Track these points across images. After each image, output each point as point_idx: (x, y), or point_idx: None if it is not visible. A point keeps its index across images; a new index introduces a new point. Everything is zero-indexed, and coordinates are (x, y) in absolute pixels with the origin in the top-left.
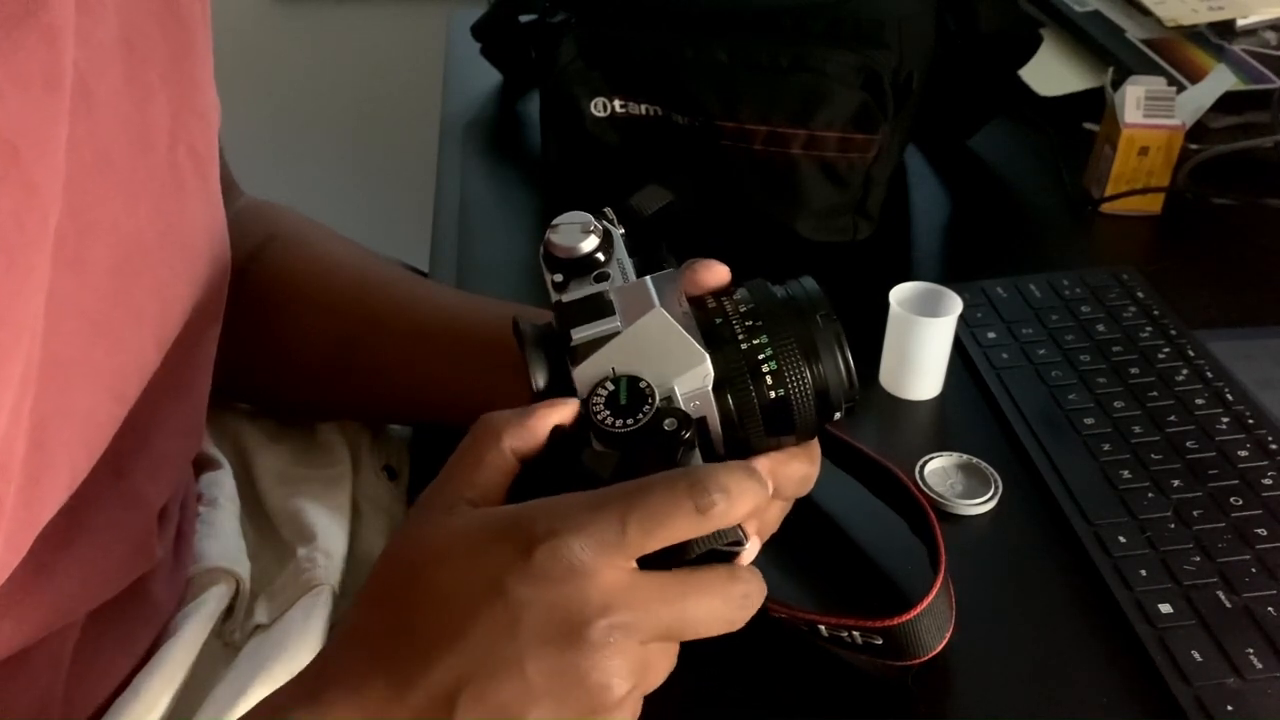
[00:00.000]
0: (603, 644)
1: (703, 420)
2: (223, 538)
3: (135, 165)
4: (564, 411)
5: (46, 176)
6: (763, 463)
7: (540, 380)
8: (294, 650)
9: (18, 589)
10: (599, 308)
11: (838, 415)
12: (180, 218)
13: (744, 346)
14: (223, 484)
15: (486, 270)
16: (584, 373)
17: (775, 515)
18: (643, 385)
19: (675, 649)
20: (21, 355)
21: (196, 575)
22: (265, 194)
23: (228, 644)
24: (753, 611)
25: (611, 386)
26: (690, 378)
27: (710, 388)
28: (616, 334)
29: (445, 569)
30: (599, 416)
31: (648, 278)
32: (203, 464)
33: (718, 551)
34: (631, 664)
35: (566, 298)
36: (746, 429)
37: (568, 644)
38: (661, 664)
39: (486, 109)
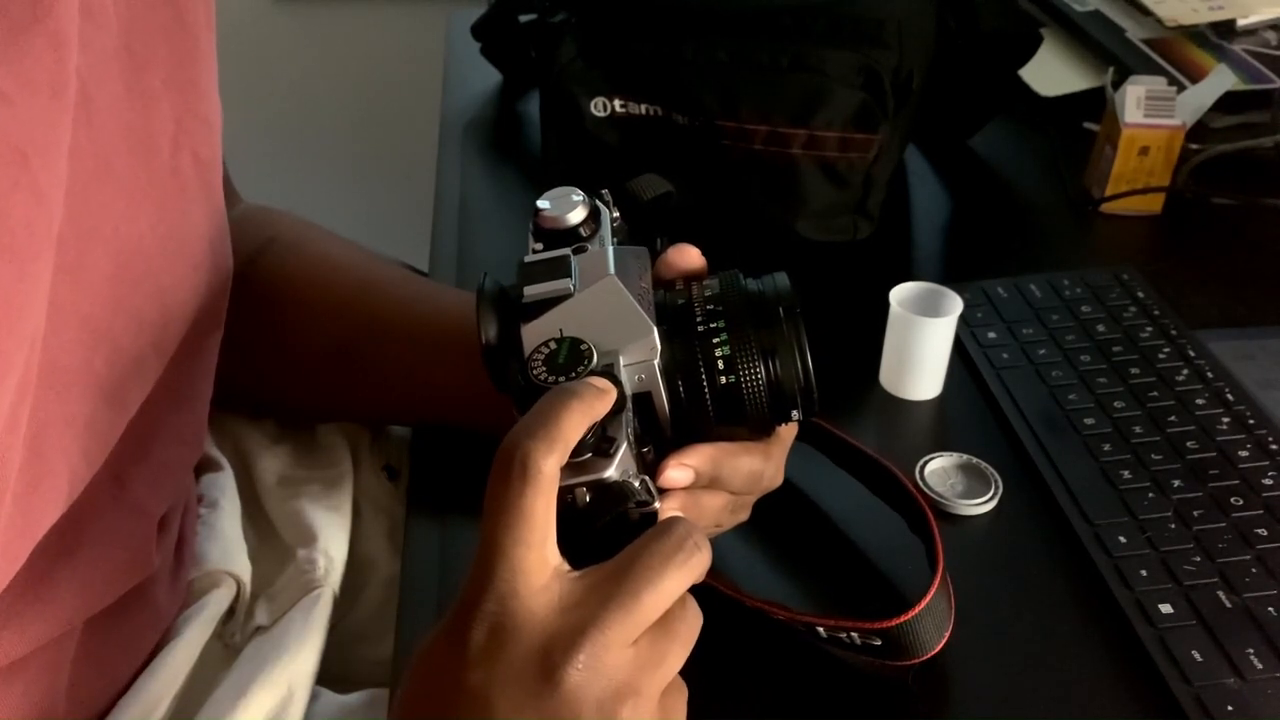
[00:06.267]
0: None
1: (649, 396)
2: (224, 540)
3: (136, 172)
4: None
5: (52, 183)
6: (706, 450)
7: (489, 334)
8: (294, 652)
9: (18, 599)
10: (557, 269)
11: (795, 414)
12: (182, 224)
13: (700, 329)
14: (223, 485)
15: (486, 270)
16: (532, 331)
17: (718, 506)
18: (584, 347)
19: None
20: (21, 361)
21: (198, 578)
22: (265, 194)
23: (228, 646)
24: (705, 557)
25: (554, 345)
26: (637, 348)
27: (657, 362)
28: (568, 295)
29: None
30: (534, 371)
31: (610, 247)
32: (203, 465)
33: (634, 521)
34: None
35: (529, 259)
36: (695, 413)
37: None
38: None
39: (486, 109)
